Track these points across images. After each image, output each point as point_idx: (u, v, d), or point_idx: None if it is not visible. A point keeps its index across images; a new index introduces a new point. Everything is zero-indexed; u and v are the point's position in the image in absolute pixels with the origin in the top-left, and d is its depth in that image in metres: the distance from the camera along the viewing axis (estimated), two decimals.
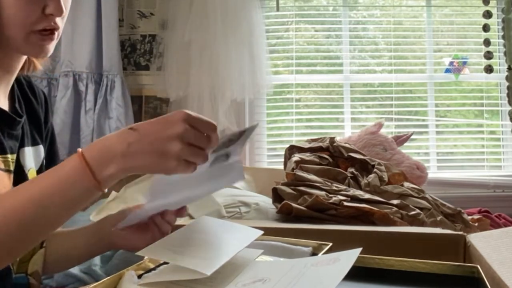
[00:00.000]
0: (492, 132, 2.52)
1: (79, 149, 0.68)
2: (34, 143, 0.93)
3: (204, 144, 0.68)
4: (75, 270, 1.61)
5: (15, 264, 0.85)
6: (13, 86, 0.90)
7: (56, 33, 0.81)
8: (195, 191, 0.80)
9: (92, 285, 0.62)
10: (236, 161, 0.79)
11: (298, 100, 2.59)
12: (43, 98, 1.00)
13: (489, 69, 2.41)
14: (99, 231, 0.93)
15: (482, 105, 2.52)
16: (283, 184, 1.49)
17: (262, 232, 0.76)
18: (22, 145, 0.88)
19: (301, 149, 1.68)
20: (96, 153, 0.67)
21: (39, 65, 0.93)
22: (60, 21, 0.81)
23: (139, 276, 0.67)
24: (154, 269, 0.70)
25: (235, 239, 0.73)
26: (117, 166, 0.66)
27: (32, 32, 0.78)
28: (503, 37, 2.30)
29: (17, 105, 0.89)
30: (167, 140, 0.66)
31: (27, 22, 0.77)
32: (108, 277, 0.65)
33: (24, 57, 0.88)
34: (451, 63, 2.49)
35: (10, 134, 0.85)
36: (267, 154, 2.52)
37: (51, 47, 0.82)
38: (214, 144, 0.69)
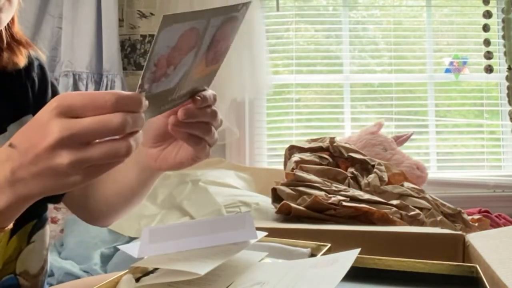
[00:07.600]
0: (492, 132, 2.52)
1: None
2: (17, 117, 0.78)
3: (97, 136, 0.47)
4: (75, 269, 1.62)
5: None
6: None
7: None
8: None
9: None
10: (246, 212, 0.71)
11: (298, 100, 2.58)
12: (36, 65, 0.85)
13: (489, 69, 2.41)
14: (136, 155, 0.62)
15: (482, 105, 2.52)
16: (282, 184, 1.49)
17: (265, 233, 0.76)
18: None
19: (301, 149, 1.68)
20: None
21: (20, 59, 0.77)
22: None
23: (137, 280, 0.67)
24: (152, 272, 0.70)
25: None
26: (8, 198, 0.51)
27: None
28: (503, 37, 2.30)
29: None
30: (48, 155, 0.47)
31: None
32: (106, 281, 0.64)
33: None
34: (451, 63, 2.49)
35: None
36: (267, 154, 2.52)
37: None
38: (115, 127, 0.47)
